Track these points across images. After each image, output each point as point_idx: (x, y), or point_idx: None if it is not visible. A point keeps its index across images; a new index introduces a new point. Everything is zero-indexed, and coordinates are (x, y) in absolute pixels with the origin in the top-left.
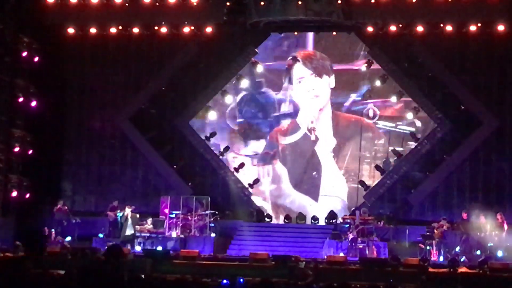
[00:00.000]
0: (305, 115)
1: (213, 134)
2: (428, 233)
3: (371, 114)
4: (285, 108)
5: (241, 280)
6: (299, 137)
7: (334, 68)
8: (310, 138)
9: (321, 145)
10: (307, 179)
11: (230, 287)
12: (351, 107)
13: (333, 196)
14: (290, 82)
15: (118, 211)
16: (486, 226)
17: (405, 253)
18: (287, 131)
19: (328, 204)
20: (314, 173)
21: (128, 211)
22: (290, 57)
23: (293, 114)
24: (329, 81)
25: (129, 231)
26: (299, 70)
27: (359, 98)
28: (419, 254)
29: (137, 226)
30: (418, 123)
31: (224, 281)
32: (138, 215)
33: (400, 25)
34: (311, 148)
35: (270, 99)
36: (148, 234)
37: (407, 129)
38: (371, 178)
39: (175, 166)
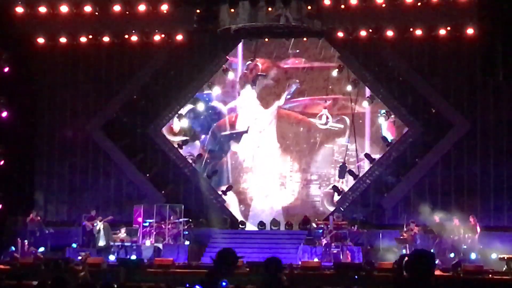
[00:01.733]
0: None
1: (185, 142)
2: (401, 237)
3: (323, 120)
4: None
5: (224, 283)
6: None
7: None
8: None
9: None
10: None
11: None
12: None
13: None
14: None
15: (97, 220)
16: (459, 228)
17: (379, 257)
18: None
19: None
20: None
21: (99, 223)
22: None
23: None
24: (278, 103)
25: (101, 242)
26: (247, 92)
27: (289, 97)
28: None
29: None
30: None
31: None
32: (108, 226)
33: (370, 30)
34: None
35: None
36: (121, 243)
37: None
38: (344, 182)
39: (147, 175)
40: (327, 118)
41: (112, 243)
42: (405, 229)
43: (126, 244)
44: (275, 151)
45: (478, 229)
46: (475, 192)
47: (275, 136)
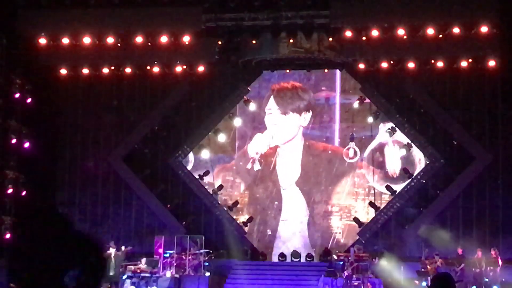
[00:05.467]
0: (254, 145)
1: (206, 173)
2: (423, 270)
3: (351, 154)
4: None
5: None
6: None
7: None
8: (248, 166)
9: (283, 178)
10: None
11: None
12: None
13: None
14: (262, 110)
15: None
16: (481, 261)
17: None
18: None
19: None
20: (276, 202)
21: (111, 251)
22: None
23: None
24: (299, 120)
25: (112, 272)
26: (270, 102)
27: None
28: None
29: (130, 266)
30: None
31: None
32: (119, 256)
33: (392, 62)
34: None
35: None
36: (140, 274)
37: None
38: (365, 214)
39: (168, 206)
40: (355, 151)
41: (126, 274)
42: (427, 261)
43: (146, 275)
44: (294, 182)
45: (500, 262)
46: (497, 225)
47: (298, 167)
